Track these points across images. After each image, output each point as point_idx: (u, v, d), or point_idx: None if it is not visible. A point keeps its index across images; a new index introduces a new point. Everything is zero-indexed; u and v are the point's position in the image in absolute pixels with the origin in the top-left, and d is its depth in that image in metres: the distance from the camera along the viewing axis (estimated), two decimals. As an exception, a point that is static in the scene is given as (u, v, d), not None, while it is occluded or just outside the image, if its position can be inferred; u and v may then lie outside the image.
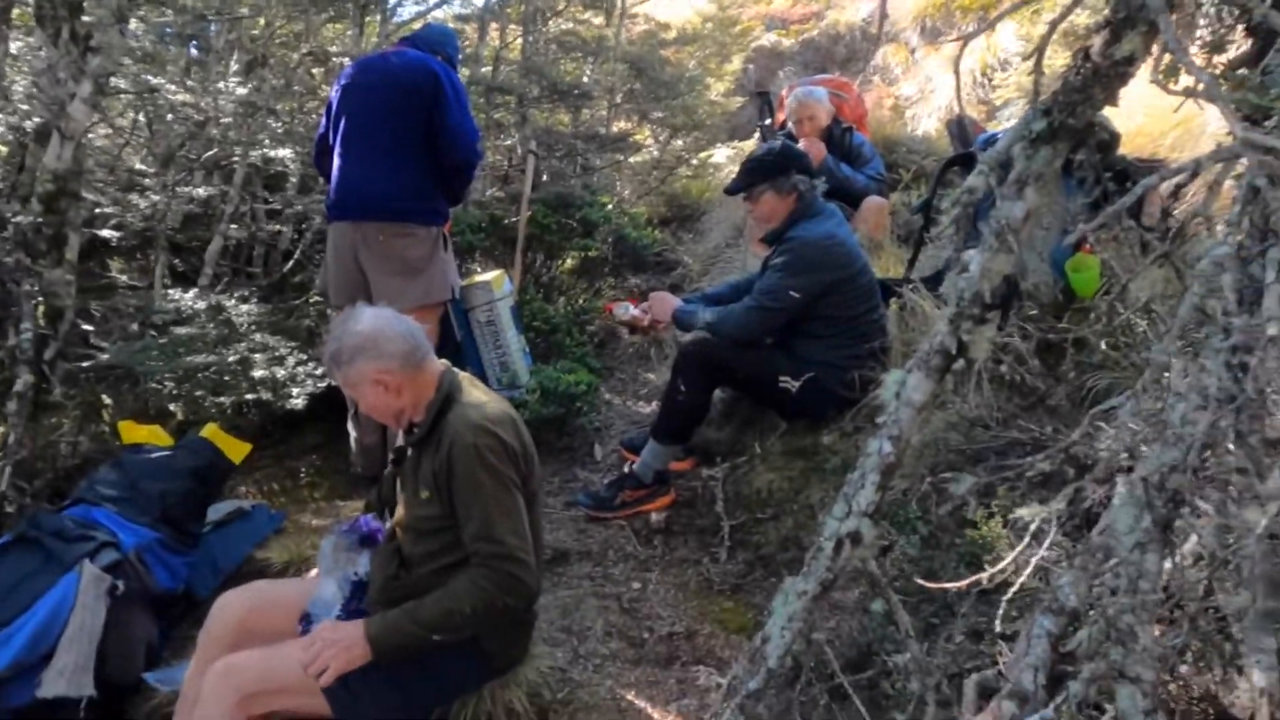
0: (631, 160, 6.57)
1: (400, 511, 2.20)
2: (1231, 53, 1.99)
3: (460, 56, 4.01)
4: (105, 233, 4.13)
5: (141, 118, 4.88)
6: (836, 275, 3.02)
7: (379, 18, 5.56)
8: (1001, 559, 2.26)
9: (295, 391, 3.63)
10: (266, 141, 4.56)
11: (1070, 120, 1.12)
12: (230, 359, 3.63)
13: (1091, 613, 1.99)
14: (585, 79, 6.38)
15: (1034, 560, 2.28)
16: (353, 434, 3.57)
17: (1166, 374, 1.78)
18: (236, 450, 3.22)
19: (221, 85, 4.45)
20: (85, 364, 3.58)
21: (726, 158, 7.59)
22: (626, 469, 3.32)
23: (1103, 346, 2.64)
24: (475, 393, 2.15)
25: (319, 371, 3.87)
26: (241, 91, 4.50)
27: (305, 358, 3.94)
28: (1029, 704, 1.72)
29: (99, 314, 3.96)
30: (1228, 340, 0.84)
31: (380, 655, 1.92)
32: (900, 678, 2.06)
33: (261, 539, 3.22)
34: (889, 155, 5.52)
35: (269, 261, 5.00)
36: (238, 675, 1.95)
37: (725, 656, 2.44)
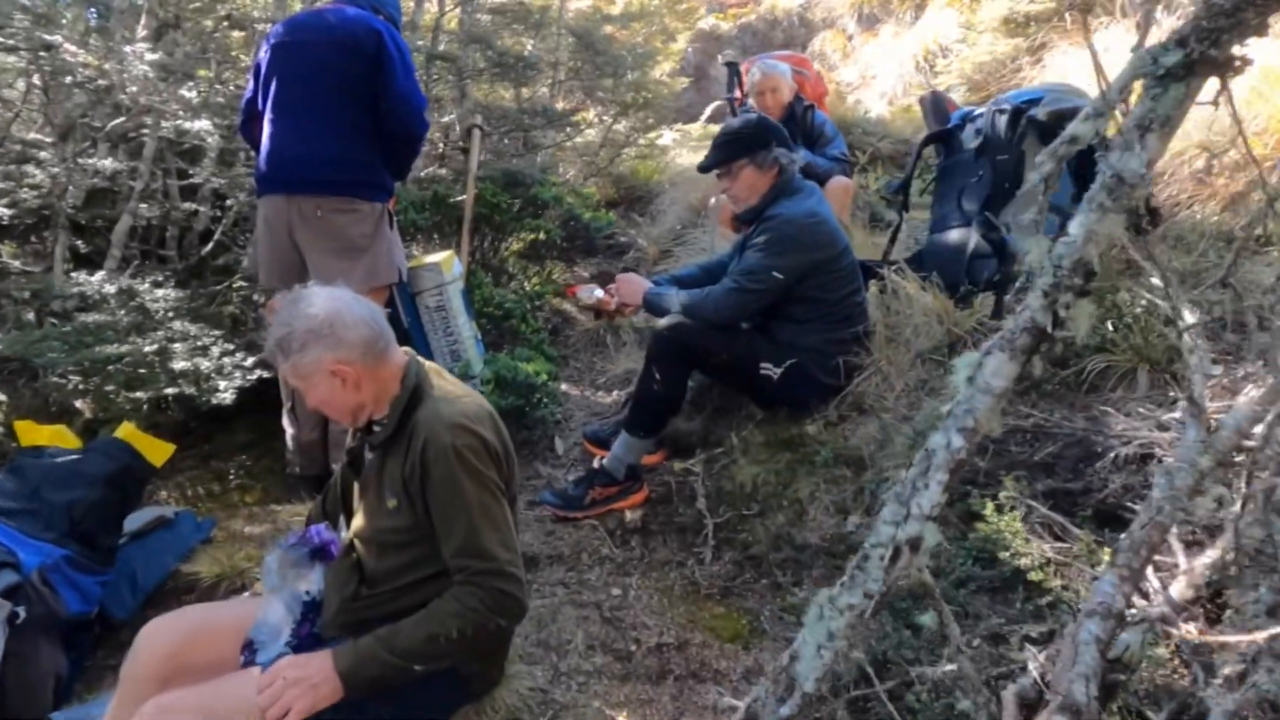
0: (577, 140, 6.30)
1: (359, 522, 1.91)
2: None
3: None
4: (-6, 210, 3.65)
5: (37, 81, 4.36)
6: (820, 255, 2.85)
7: (304, -18, 5.14)
8: (1019, 554, 2.14)
9: (222, 385, 3.26)
10: (181, 111, 4.12)
11: (1212, 51, 0.94)
12: (146, 349, 3.24)
13: (1131, 613, 1.86)
14: (527, 52, 6.07)
15: (1052, 556, 2.16)
16: (289, 430, 3.23)
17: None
18: (157, 452, 2.84)
19: (128, 50, 3.99)
20: (-28, 356, 3.14)
21: (673, 140, 7.39)
22: (596, 464, 3.09)
23: (1109, 327, 2.53)
24: (446, 385, 1.88)
25: (248, 362, 3.50)
26: (152, 57, 4.06)
27: (232, 347, 3.56)
28: (1082, 716, 1.57)
29: (-12, 300, 3.50)
30: None
31: (352, 691, 1.65)
32: (923, 688, 1.90)
33: (188, 550, 2.87)
34: (844, 138, 5.41)
35: (185, 243, 4.55)
36: (173, 718, 1.65)
37: (722, 669, 2.24)
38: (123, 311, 3.33)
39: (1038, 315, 1.12)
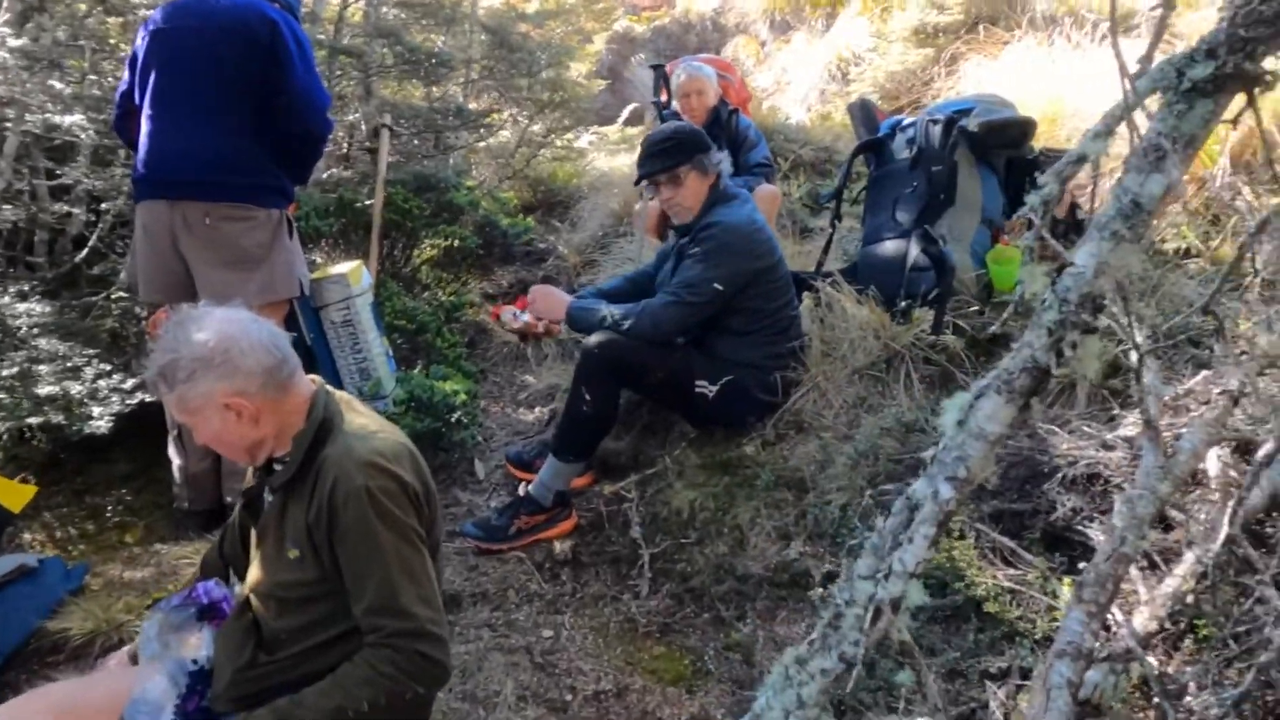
0: (491, 141, 6.05)
1: (256, 574, 1.66)
2: None
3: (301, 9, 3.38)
4: None
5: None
6: (760, 265, 2.74)
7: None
8: (972, 583, 2.06)
9: (97, 411, 2.91)
10: (49, 104, 3.70)
11: (1246, 64, 0.84)
12: (6, 372, 2.86)
13: (1100, 648, 1.78)
14: (438, 49, 5.79)
15: (1006, 584, 2.09)
16: (175, 460, 2.91)
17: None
18: (14, 495, 2.48)
19: (-14, 33, 3.55)
20: None
21: (590, 143, 7.22)
22: (521, 491, 2.88)
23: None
24: (359, 419, 1.65)
25: (128, 385, 3.15)
26: (15, 43, 3.63)
27: (109, 368, 3.19)
28: (1059, 768, 1.48)
29: None
30: None
31: None
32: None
33: (55, 603, 2.52)
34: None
35: (55, 249, 4.10)
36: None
37: (666, 717, 2.07)
38: (-24, 329, 2.93)
39: (1040, 354, 1.00)
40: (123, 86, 2.91)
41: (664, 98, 4.25)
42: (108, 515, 3.07)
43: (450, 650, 1.57)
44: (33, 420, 2.87)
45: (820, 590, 2.18)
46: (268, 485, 1.66)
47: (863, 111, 3.58)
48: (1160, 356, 2.36)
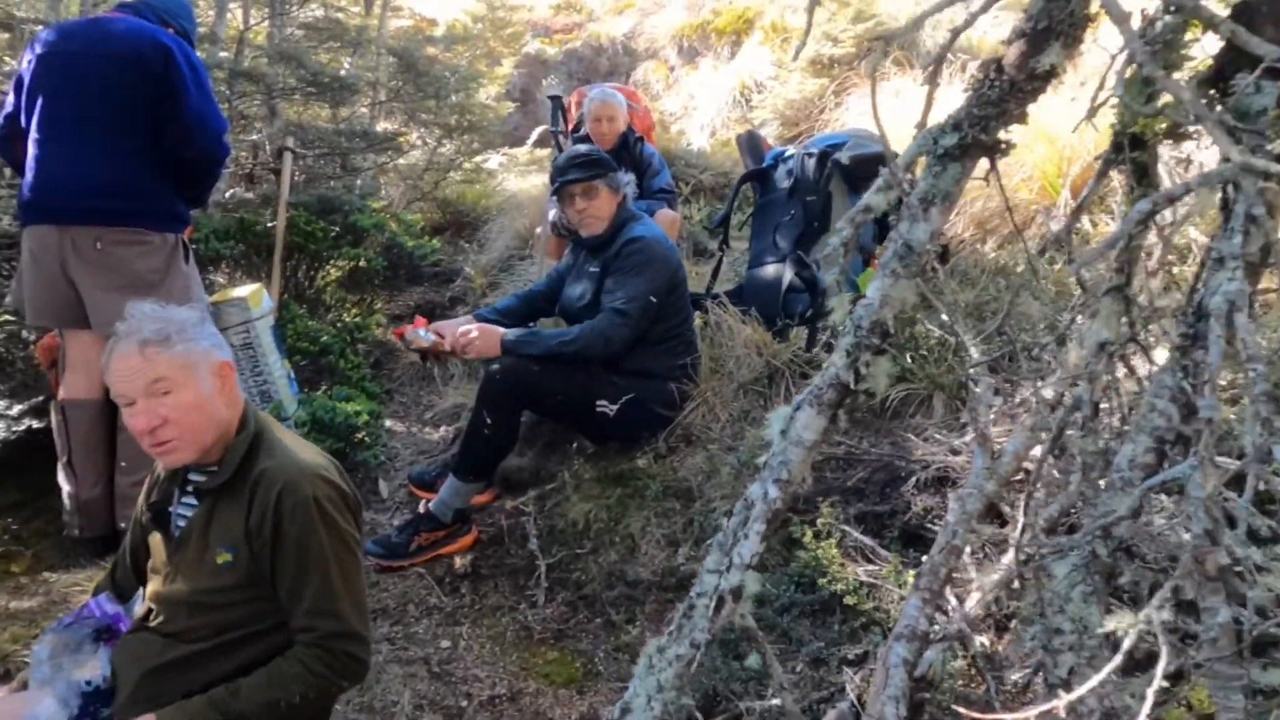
0: (399, 162, 6.09)
1: (170, 584, 1.68)
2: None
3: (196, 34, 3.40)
4: None
5: None
6: (678, 276, 2.97)
7: (83, -19, 4.64)
8: (835, 579, 2.25)
9: (-20, 439, 2.85)
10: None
11: (982, 136, 1.03)
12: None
13: (935, 629, 2.00)
14: (344, 71, 5.81)
15: (865, 579, 2.29)
16: (66, 487, 2.86)
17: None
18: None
19: None
20: None
21: (500, 164, 7.32)
22: (421, 509, 2.95)
23: (907, 359, 2.74)
24: (286, 435, 1.74)
25: (14, 410, 3.09)
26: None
27: (-8, 394, 3.13)
28: (894, 738, 1.66)
29: None
30: (1212, 377, 0.77)
31: None
32: (753, 721, 1.95)
33: (-66, 636, 2.46)
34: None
35: (-66, 271, 3.95)
36: None
37: (557, 717, 2.19)
38: None
39: (841, 372, 1.18)
40: (7, 109, 2.87)
41: (562, 126, 4.40)
42: (-8, 545, 3.00)
43: (370, 649, 1.67)
44: (-90, 449, 2.79)
45: (702, 592, 2.34)
46: (194, 492, 1.70)
47: (749, 142, 3.81)
48: (999, 370, 2.62)
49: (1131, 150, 1.06)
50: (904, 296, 1.09)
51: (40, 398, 3.27)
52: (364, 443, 3.31)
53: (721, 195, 5.62)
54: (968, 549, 2.10)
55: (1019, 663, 1.90)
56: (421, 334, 2.92)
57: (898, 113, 5.26)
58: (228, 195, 4.83)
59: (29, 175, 2.74)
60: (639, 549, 2.65)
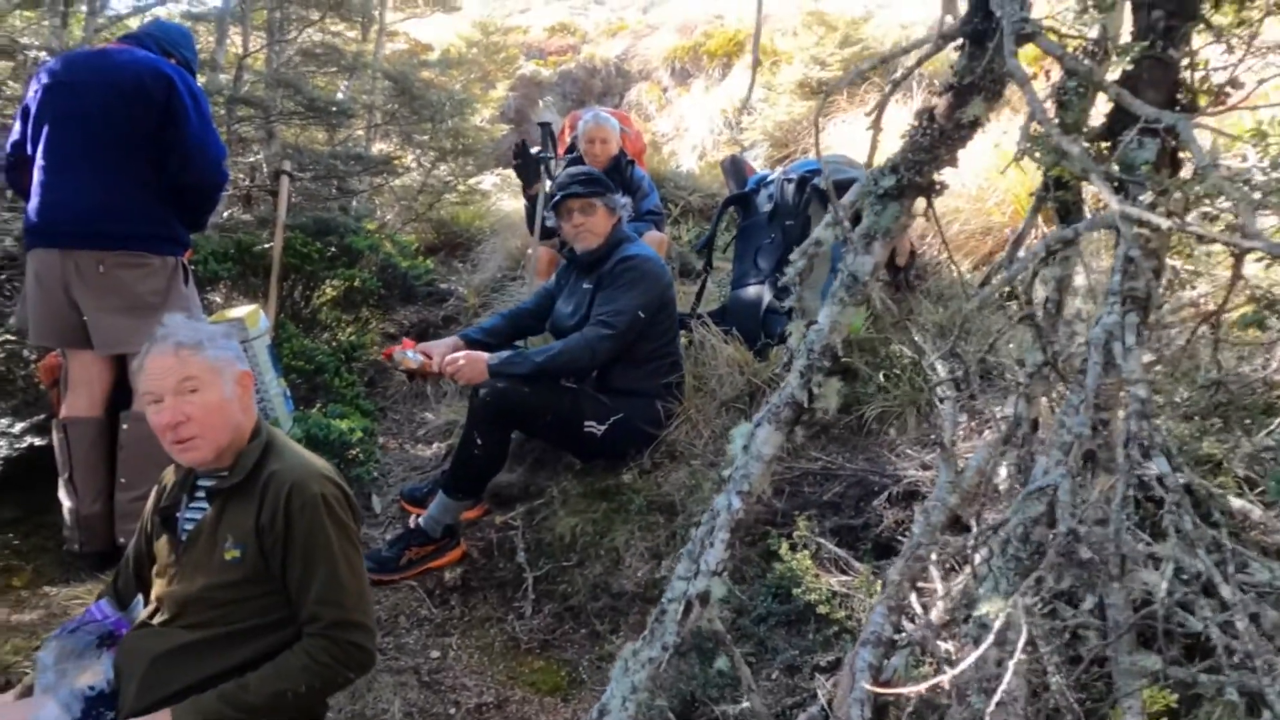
0: (395, 184, 6.21)
1: (178, 582, 1.78)
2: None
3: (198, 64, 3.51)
4: None
5: None
6: (669, 295, 3.06)
7: (85, 9, 4.76)
8: (809, 589, 2.34)
9: (-17, 456, 2.93)
10: (-68, 145, 3.69)
11: (917, 178, 1.14)
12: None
13: (901, 635, 2.09)
14: (340, 95, 5.94)
15: (838, 589, 2.38)
16: (67, 503, 2.94)
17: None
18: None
19: None
20: None
21: (494, 185, 7.44)
22: (411, 524, 3.04)
23: (879, 378, 2.84)
24: (291, 444, 1.88)
25: (17, 429, 3.17)
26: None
27: (-6, 412, 3.21)
28: (859, 738, 1.75)
29: None
30: (1089, 398, 0.87)
31: None
32: (728, 725, 2.03)
33: (-63, 648, 2.53)
34: (658, 190, 5.70)
35: (-62, 292, 4.04)
36: None
37: (541, 724, 2.27)
38: None
39: (796, 391, 1.28)
40: (14, 137, 2.97)
41: (552, 153, 4.52)
42: (-7, 559, 3.07)
43: (376, 640, 1.77)
44: (-85, 466, 2.87)
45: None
46: (202, 496, 1.81)
47: (733, 166, 3.93)
48: (963, 388, 2.72)
49: (1055, 190, 1.16)
50: (850, 321, 1.19)
51: (42, 416, 3.35)
52: (357, 459, 3.40)
53: (709, 216, 5.73)
54: (934, 559, 2.19)
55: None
56: (410, 355, 3.00)
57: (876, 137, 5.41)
58: (225, 216, 4.94)
59: (34, 201, 2.84)
60: (623, 562, 2.74)
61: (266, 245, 4.24)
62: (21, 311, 3.05)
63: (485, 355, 2.93)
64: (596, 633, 2.59)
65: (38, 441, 3.29)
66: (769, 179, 3.62)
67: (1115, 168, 0.90)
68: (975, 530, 1.88)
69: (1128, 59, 0.94)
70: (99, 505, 2.93)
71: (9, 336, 3.76)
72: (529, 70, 11.27)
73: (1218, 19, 0.96)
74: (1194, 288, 1.39)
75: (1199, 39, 0.97)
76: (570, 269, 3.29)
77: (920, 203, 1.18)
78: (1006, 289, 1.26)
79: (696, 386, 3.22)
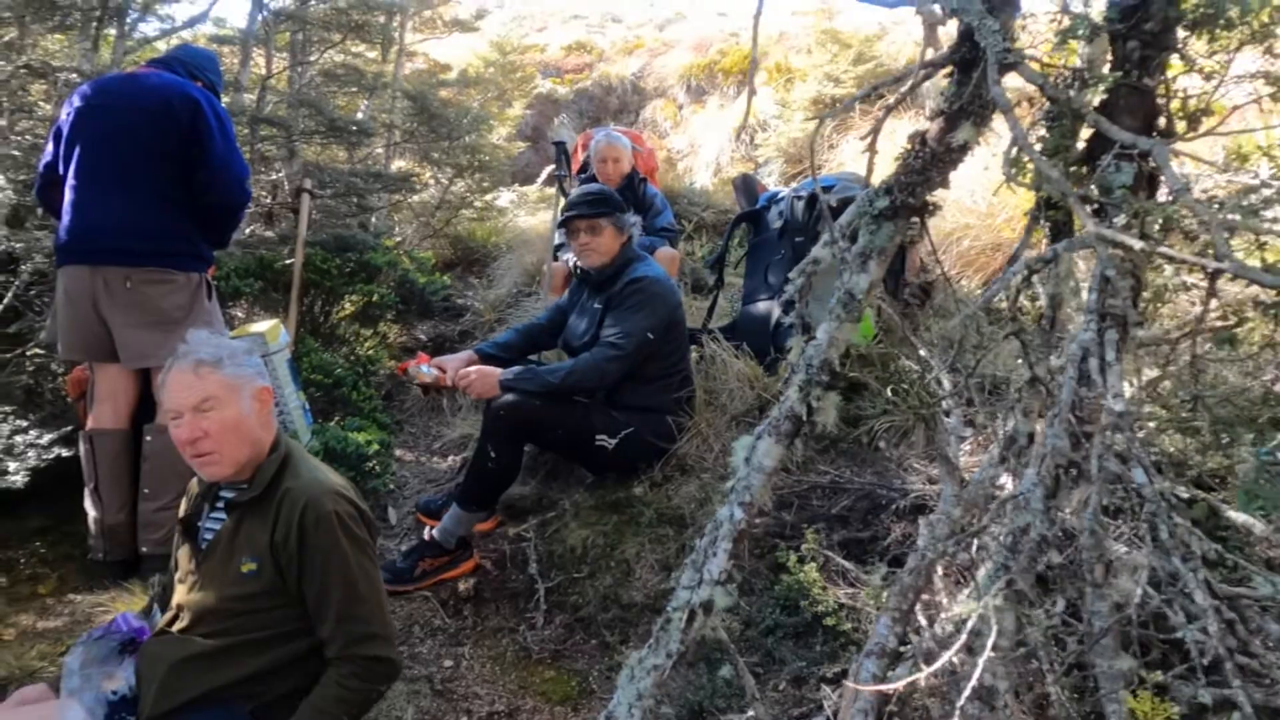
0: (413, 201, 6.32)
1: (196, 590, 1.84)
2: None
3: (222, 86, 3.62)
4: None
5: None
6: (678, 314, 3.10)
7: (114, 32, 4.91)
8: (817, 601, 2.37)
9: (13, 466, 3.02)
10: (-34, 164, 3.82)
11: (910, 199, 1.18)
12: (-84, 430, 2.95)
13: (906, 648, 2.11)
14: (360, 114, 6.06)
15: (845, 601, 2.40)
16: (92, 513, 3.02)
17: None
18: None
19: (-96, 95, 3.67)
20: None
21: (510, 202, 7.55)
22: (426, 535, 3.09)
23: (888, 393, 2.86)
24: (309, 459, 1.93)
25: (45, 440, 3.26)
26: (-67, 104, 3.76)
27: (25, 424, 3.30)
28: (863, 749, 1.77)
29: None
30: (1070, 411, 0.90)
31: None
32: (735, 735, 2.06)
33: (-34, 653, 2.60)
34: (671, 207, 5.76)
35: (-30, 307, 4.16)
36: None
37: (551, 732, 2.31)
38: (-110, 388, 3.02)
39: (795, 405, 1.32)
40: (47, 158, 3.07)
41: (566, 170, 4.60)
42: (21, 567, 3.15)
43: (397, 648, 1.84)
44: (-53, 476, 2.95)
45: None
46: (222, 507, 1.87)
47: (745, 184, 3.99)
48: (974, 404, 2.74)
49: (1047, 210, 1.20)
50: (847, 338, 1.23)
51: (68, 428, 3.43)
52: (374, 471, 3.46)
53: (722, 233, 5.79)
54: (939, 571, 2.21)
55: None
56: (425, 369, 3.07)
57: (892, 153, 5.46)
58: (247, 233, 5.05)
59: (65, 219, 2.93)
60: (633, 573, 2.78)
61: (287, 261, 4.33)
62: (52, 327, 3.14)
63: (497, 370, 2.98)
64: (607, 643, 2.62)
65: (64, 453, 3.37)
66: (780, 196, 3.67)
67: (1095, 190, 0.95)
68: (976, 543, 1.91)
69: (1102, 88, 0.98)
70: (123, 515, 3.00)
71: (38, 351, 3.87)
72: (546, 88, 11.42)
73: (1195, 47, 0.99)
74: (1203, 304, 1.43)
75: (1175, 68, 1.01)
76: (582, 286, 3.34)
77: (932, 220, 1.22)
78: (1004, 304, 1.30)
79: (707, 401, 3.26)
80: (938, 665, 0.92)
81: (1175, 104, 1.01)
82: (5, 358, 3.83)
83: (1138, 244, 0.82)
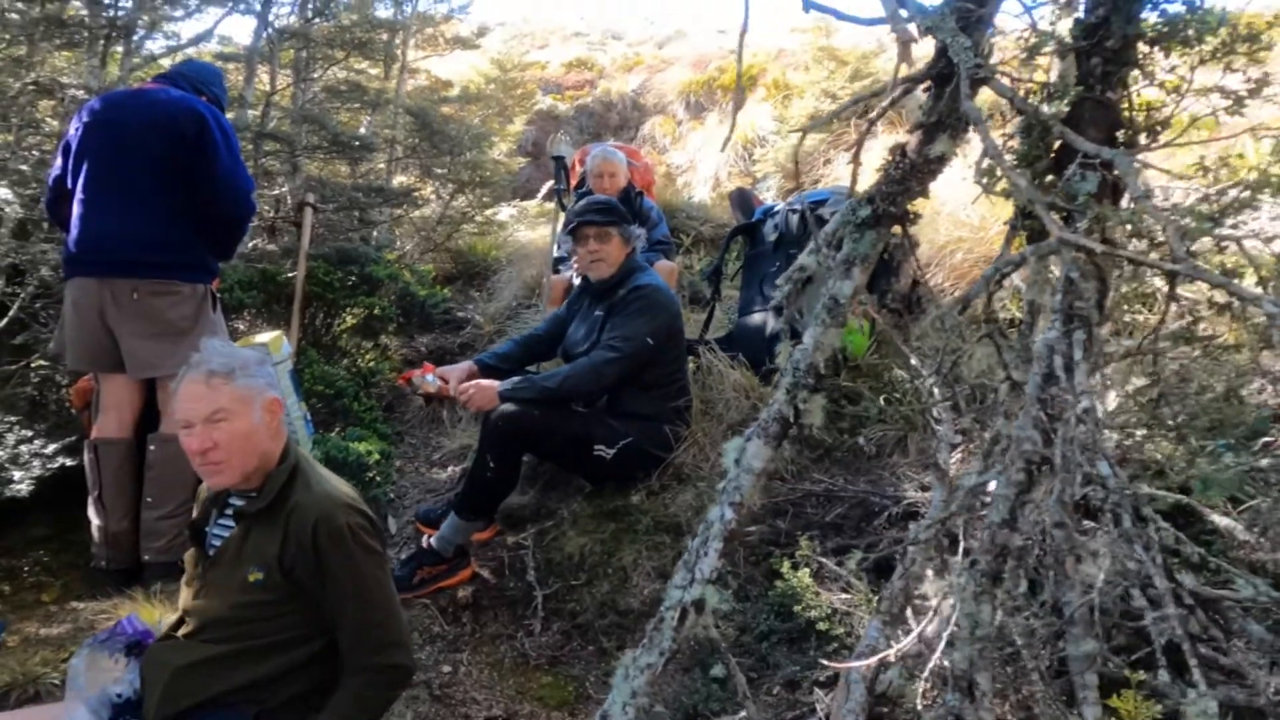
0: (415, 215, 6.39)
1: (202, 597, 1.87)
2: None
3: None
4: None
5: None
6: (678, 323, 3.14)
7: (122, 49, 4.99)
8: (810, 606, 2.40)
9: (18, 475, 3.07)
10: (-28, 179, 3.88)
11: (891, 208, 1.23)
12: (-77, 439, 3.00)
13: (892, 652, 2.14)
14: (363, 130, 6.14)
15: (838, 606, 2.43)
16: (95, 520, 3.05)
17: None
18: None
19: (-86, 111, 3.74)
20: None
21: (510, 216, 7.62)
22: (424, 544, 3.12)
23: (880, 402, 2.91)
24: (317, 469, 1.94)
25: (50, 449, 3.30)
26: (-59, 119, 3.82)
27: (30, 434, 3.34)
28: (853, 749, 1.80)
29: None
30: (1040, 409, 0.95)
31: None
32: (729, 737, 2.09)
33: (-30, 659, 2.63)
34: (669, 221, 5.83)
35: (-23, 319, 4.21)
36: None
37: (548, 737, 2.33)
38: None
39: (782, 407, 1.36)
40: (55, 172, 3.13)
41: (565, 185, 4.66)
42: (25, 575, 3.18)
43: (413, 653, 1.88)
44: (-47, 485, 2.99)
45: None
46: (231, 515, 1.89)
47: (740, 198, 4.05)
48: (961, 411, 2.78)
49: (1024, 219, 1.25)
50: (832, 343, 1.27)
51: (73, 438, 3.48)
52: (374, 481, 3.49)
53: (720, 246, 5.86)
54: (929, 575, 2.25)
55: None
56: (429, 379, 3.11)
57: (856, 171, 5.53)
58: (251, 247, 5.11)
59: (73, 232, 2.98)
60: (630, 580, 2.81)
61: (290, 274, 4.39)
62: (59, 338, 3.19)
63: (495, 384, 3.01)
64: (604, 649, 2.65)
65: (68, 463, 3.42)
66: (775, 210, 3.73)
67: (1062, 198, 1.00)
68: (963, 546, 1.95)
69: (1064, 101, 1.03)
70: (126, 523, 3.04)
71: (43, 362, 3.92)
72: (547, 105, 11.54)
73: (1158, 62, 1.05)
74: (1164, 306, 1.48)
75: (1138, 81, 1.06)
76: (583, 295, 3.39)
77: (925, 234, 1.27)
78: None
79: (704, 410, 3.30)
80: (906, 644, 0.96)
81: (1140, 116, 1.07)
82: (11, 369, 3.88)
83: (1099, 247, 0.86)
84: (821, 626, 2.30)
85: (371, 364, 4.63)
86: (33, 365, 3.90)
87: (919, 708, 2.03)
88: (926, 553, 2.05)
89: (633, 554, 2.88)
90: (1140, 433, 2.24)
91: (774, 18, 10.96)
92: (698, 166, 9.40)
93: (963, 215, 4.08)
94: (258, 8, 5.16)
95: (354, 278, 4.65)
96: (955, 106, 1.12)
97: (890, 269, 3.41)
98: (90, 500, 3.07)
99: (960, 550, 1.95)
